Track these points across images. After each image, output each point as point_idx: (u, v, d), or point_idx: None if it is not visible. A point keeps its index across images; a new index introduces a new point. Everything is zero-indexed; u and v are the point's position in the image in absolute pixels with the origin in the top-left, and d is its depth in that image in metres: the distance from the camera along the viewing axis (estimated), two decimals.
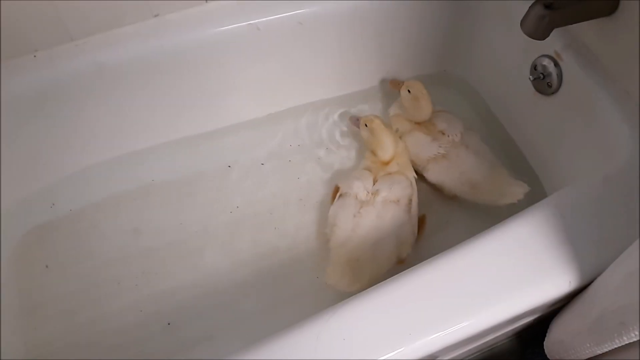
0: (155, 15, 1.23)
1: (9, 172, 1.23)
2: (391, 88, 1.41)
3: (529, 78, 1.18)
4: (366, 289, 0.81)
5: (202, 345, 1.12)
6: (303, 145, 1.43)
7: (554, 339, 0.90)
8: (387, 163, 1.23)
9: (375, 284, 0.82)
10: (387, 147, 1.21)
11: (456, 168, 1.21)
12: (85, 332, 1.14)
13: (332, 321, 0.76)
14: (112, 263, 1.23)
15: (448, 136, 1.25)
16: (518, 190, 1.16)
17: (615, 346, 0.69)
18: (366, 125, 1.24)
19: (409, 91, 1.28)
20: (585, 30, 1.08)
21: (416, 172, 1.28)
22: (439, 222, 1.25)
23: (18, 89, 1.18)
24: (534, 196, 1.15)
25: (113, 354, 1.12)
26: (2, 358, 1.04)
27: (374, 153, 1.24)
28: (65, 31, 1.18)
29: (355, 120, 1.29)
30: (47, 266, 1.23)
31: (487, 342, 0.96)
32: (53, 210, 1.31)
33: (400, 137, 1.30)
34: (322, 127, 1.46)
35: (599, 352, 0.74)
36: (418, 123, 1.31)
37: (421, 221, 1.22)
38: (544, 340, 0.94)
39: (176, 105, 1.36)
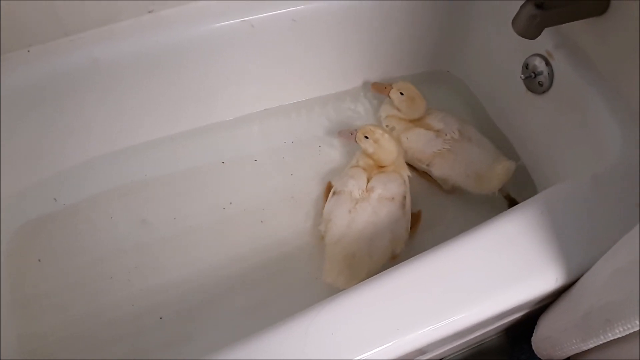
0: (150, 11, 1.24)
1: (4, 166, 1.23)
2: (375, 92, 1.40)
3: (521, 77, 1.19)
4: None
5: (194, 340, 1.12)
6: (296, 142, 1.43)
7: (541, 335, 0.91)
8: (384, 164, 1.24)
9: None
10: (394, 153, 1.21)
11: (462, 161, 1.23)
12: (77, 326, 1.15)
13: (320, 316, 0.77)
14: (105, 257, 1.24)
15: (446, 135, 1.26)
16: (505, 165, 1.18)
17: (601, 342, 0.70)
18: (366, 137, 1.22)
19: (401, 93, 1.30)
20: (577, 29, 1.09)
21: (414, 168, 1.30)
22: (434, 217, 1.26)
23: (12, 83, 1.18)
24: (526, 194, 1.16)
25: (106, 347, 1.12)
26: None
27: (377, 161, 1.23)
28: (60, 26, 1.18)
29: (349, 135, 1.26)
30: (39, 260, 1.23)
31: (475, 338, 0.97)
32: (47, 204, 1.31)
33: (398, 137, 1.31)
34: (316, 124, 1.46)
35: (585, 348, 0.75)
36: (413, 121, 1.33)
37: (416, 217, 1.23)
38: (532, 336, 0.95)
39: (170, 101, 1.36)
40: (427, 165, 1.27)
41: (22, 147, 1.27)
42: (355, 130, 1.25)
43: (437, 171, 1.26)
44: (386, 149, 1.20)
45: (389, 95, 1.33)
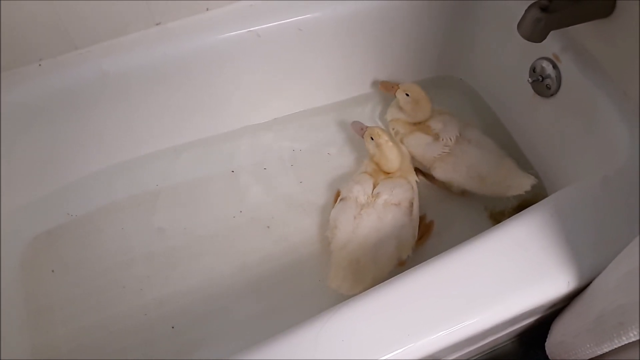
0: (157, 24, 1.25)
1: (15, 178, 1.25)
2: (383, 90, 1.41)
3: (528, 80, 1.19)
4: None
5: (206, 348, 1.13)
6: (305, 150, 1.43)
7: (554, 340, 0.91)
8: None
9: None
10: (394, 162, 1.21)
11: (463, 163, 1.22)
12: (91, 336, 1.16)
13: (330, 323, 0.77)
14: (117, 267, 1.25)
15: (442, 139, 1.26)
16: (525, 182, 1.16)
17: (615, 346, 0.69)
18: (372, 139, 1.23)
19: (407, 95, 1.30)
20: (583, 32, 1.08)
21: (422, 172, 1.30)
22: (444, 222, 1.26)
23: (24, 97, 1.20)
24: (536, 197, 1.16)
25: (118, 357, 1.13)
26: None
27: (378, 165, 1.23)
28: (70, 40, 1.20)
29: (359, 129, 1.28)
30: (53, 271, 1.24)
31: (488, 343, 0.96)
32: (59, 215, 1.32)
33: (401, 140, 1.32)
34: (323, 131, 1.47)
35: (599, 352, 0.75)
36: (416, 124, 1.33)
37: (428, 227, 1.23)
38: (545, 341, 0.94)
39: (179, 111, 1.38)
40: (430, 169, 1.27)
41: (33, 159, 1.28)
42: (366, 127, 1.27)
43: (440, 175, 1.25)
44: (388, 156, 1.20)
45: (395, 94, 1.33)
